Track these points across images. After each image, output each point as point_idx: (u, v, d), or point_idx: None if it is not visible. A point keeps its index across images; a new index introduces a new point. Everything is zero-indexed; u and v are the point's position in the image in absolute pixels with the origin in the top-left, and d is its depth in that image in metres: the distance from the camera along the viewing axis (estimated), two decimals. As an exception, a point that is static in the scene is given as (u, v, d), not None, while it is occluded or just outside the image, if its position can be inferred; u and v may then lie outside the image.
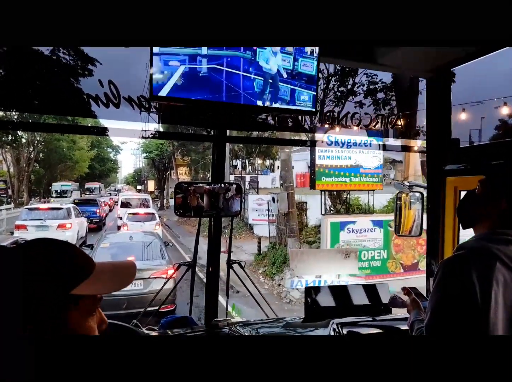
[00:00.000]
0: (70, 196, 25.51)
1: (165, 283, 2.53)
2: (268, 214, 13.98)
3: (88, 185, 35.70)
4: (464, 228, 1.54)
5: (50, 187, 27.95)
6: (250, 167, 33.02)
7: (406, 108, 8.74)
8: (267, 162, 32.99)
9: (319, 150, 8.64)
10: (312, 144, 7.56)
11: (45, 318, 0.65)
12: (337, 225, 8.75)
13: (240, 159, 30.99)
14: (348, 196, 10.41)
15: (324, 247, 7.62)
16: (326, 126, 2.19)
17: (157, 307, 2.35)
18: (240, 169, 31.21)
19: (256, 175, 26.24)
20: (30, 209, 14.22)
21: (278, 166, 33.86)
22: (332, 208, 11.01)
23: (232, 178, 21.65)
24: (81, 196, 29.12)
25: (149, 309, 2.38)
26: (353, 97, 10.48)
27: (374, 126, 2.01)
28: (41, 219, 13.41)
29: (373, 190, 9.38)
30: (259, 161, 30.79)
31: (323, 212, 9.52)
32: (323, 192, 9.47)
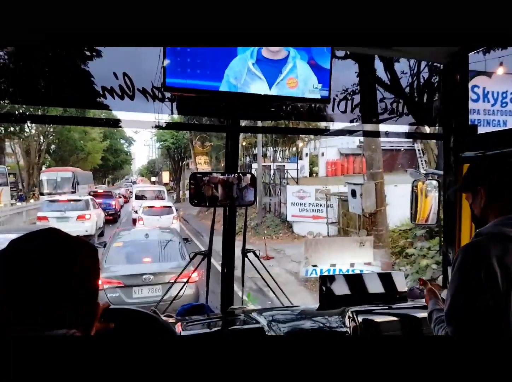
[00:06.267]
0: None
1: (183, 285, 2.71)
2: (326, 211, 11.95)
3: (46, 173, 22.48)
4: None
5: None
6: (274, 155, 32.75)
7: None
8: (294, 149, 32.62)
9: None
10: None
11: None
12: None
13: (268, 147, 30.38)
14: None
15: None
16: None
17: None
18: (262, 158, 30.80)
19: (283, 164, 25.20)
20: (50, 201, 14.89)
21: (306, 153, 33.54)
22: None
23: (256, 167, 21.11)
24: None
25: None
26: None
27: (389, 114, 2.11)
28: (62, 211, 14.07)
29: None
30: (295, 147, 29.49)
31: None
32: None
